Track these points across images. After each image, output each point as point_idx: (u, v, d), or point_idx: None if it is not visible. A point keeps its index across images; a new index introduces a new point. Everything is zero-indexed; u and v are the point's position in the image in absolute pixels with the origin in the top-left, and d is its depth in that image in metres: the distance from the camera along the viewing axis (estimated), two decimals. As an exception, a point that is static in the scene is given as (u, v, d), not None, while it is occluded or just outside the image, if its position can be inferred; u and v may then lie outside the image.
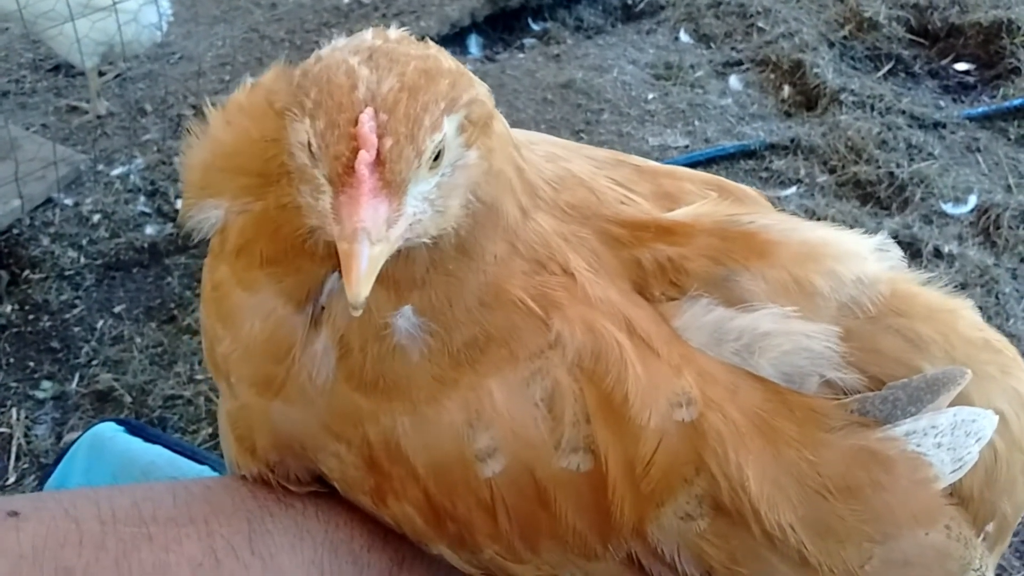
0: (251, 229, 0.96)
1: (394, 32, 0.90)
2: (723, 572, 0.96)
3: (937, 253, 3.97)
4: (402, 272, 0.90)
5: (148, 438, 1.65)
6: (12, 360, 3.61)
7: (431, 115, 0.81)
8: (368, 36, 0.88)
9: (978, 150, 4.64)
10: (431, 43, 0.91)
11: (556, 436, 0.91)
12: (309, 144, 0.82)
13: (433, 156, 0.82)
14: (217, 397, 1.16)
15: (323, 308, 0.94)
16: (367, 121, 0.79)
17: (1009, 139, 4.74)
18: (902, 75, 5.19)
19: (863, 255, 1.01)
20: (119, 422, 1.69)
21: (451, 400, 0.92)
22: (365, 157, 0.79)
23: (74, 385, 3.51)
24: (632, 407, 0.91)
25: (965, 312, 1.08)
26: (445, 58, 0.88)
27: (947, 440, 0.97)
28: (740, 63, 5.27)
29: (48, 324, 3.74)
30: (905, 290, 1.03)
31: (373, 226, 0.79)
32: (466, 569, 1.02)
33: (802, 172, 4.45)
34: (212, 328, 1.02)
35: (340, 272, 0.84)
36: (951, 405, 0.99)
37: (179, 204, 1.05)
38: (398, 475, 0.95)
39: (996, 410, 1.03)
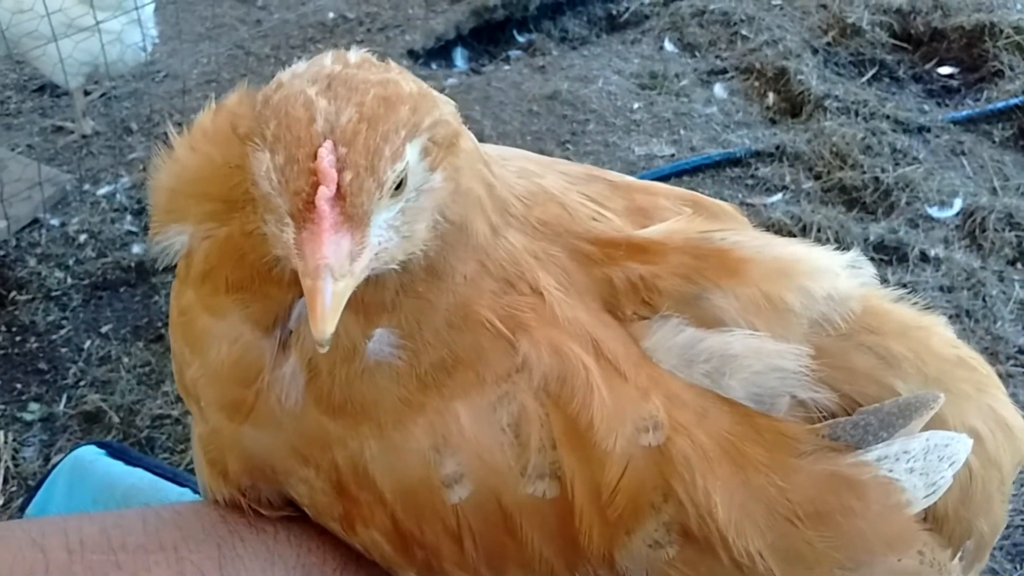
0: (216, 255, 0.96)
1: (354, 55, 0.89)
2: None
3: (923, 257, 3.98)
4: (372, 296, 0.89)
5: (130, 461, 1.64)
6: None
7: (392, 145, 0.80)
8: (328, 61, 0.87)
9: (963, 153, 4.65)
10: (392, 64, 0.90)
11: (522, 462, 0.91)
12: (270, 177, 0.81)
13: (395, 185, 0.81)
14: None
15: (291, 332, 0.94)
16: (326, 155, 0.78)
17: (994, 142, 4.75)
18: (886, 80, 5.21)
19: (835, 271, 1.00)
20: (100, 445, 1.69)
21: (418, 425, 0.92)
22: (325, 192, 0.78)
23: (62, 406, 3.49)
24: (597, 432, 0.90)
25: (938, 329, 1.07)
26: (406, 81, 0.87)
27: (920, 465, 0.96)
28: (724, 71, 5.28)
29: (35, 345, 3.72)
30: (877, 307, 1.03)
31: (336, 262, 0.78)
32: None
33: (788, 179, 4.46)
34: (181, 353, 1.02)
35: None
36: (924, 428, 0.98)
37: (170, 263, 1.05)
38: (366, 500, 0.95)
39: (971, 428, 1.02)
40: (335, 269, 0.78)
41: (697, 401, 0.94)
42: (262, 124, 0.82)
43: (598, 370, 0.92)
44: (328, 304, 0.77)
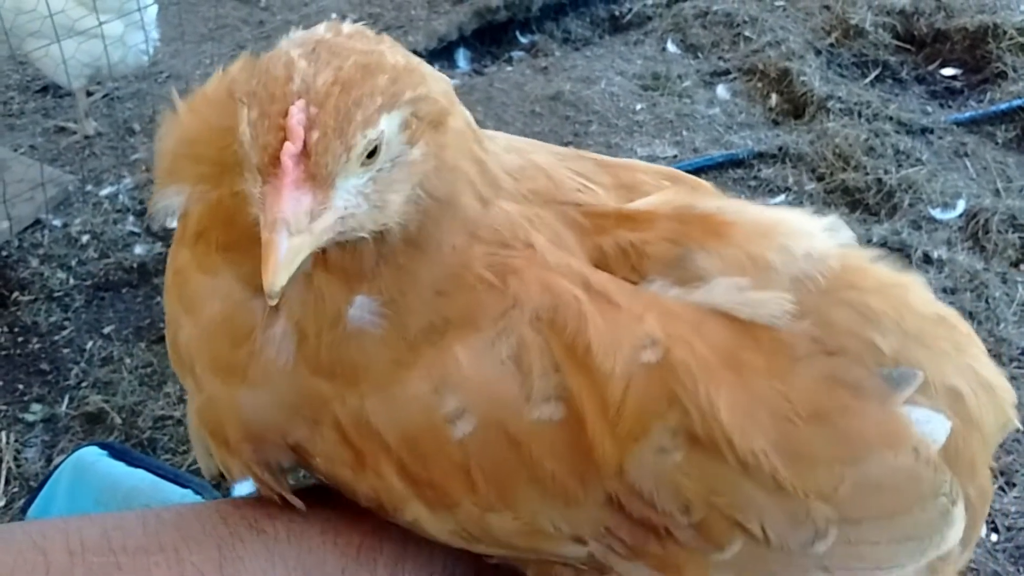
0: (208, 216, 0.97)
1: (349, 26, 0.90)
2: (701, 505, 0.95)
3: (926, 258, 3.98)
4: (350, 264, 0.90)
5: (131, 462, 1.65)
6: (1, 383, 3.60)
7: (364, 110, 0.82)
8: (321, 29, 0.89)
9: (966, 155, 4.65)
10: (386, 38, 0.91)
11: (526, 389, 0.92)
12: (244, 131, 0.83)
13: (367, 152, 0.83)
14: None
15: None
16: (296, 113, 0.80)
17: (997, 143, 4.75)
18: (889, 81, 5.21)
19: (813, 232, 1.02)
20: (102, 446, 1.70)
21: (414, 375, 0.93)
22: (290, 148, 0.79)
23: (64, 407, 3.50)
24: (596, 357, 0.91)
25: (916, 287, 1.08)
26: (394, 53, 0.88)
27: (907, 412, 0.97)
28: (727, 72, 5.28)
29: (37, 346, 3.73)
30: (856, 265, 1.04)
31: (293, 217, 0.80)
32: (442, 535, 1.01)
33: (790, 180, 4.46)
34: (175, 314, 1.02)
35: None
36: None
37: (168, 223, 1.06)
38: (370, 450, 0.95)
39: (951, 387, 1.03)
40: (291, 224, 0.79)
41: (693, 316, 0.95)
42: (249, 84, 0.84)
43: (589, 300, 0.93)
44: (280, 257, 0.79)
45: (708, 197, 1.09)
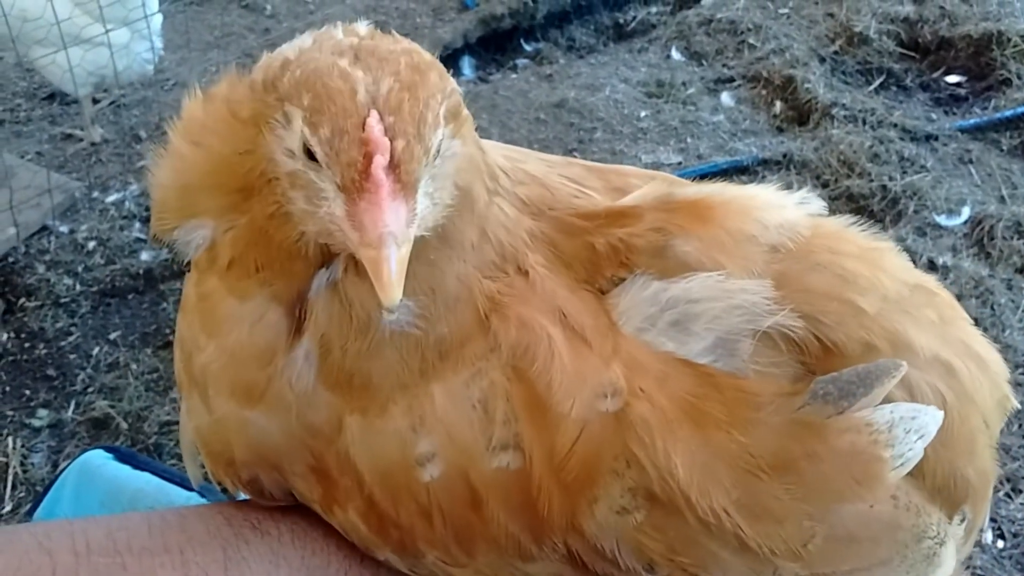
0: (242, 242, 0.95)
1: (361, 27, 0.90)
2: (664, 564, 0.94)
3: (931, 265, 3.97)
4: None
5: (137, 465, 1.65)
6: (8, 388, 3.61)
7: (432, 111, 0.82)
8: (339, 34, 0.88)
9: (970, 162, 4.65)
10: (396, 35, 0.91)
11: (487, 436, 0.92)
12: (308, 151, 0.82)
13: (436, 151, 0.83)
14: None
15: (305, 316, 0.94)
16: (375, 124, 0.79)
17: (1001, 150, 4.75)
18: (893, 88, 5.21)
19: (785, 205, 1.02)
20: (108, 449, 1.69)
21: (398, 406, 0.93)
22: (381, 161, 0.79)
23: (70, 413, 3.50)
24: (555, 395, 0.91)
25: (891, 253, 1.07)
26: (418, 48, 0.88)
27: (884, 438, 0.94)
28: (732, 80, 5.29)
29: (44, 352, 3.74)
30: (828, 231, 1.03)
31: (398, 229, 0.79)
32: None
33: (795, 187, 4.41)
34: (193, 339, 1.01)
35: (328, 272, 0.89)
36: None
37: (193, 256, 1.04)
38: (344, 485, 0.96)
39: (943, 360, 1.01)
40: (398, 236, 0.79)
41: (659, 367, 0.94)
42: (288, 100, 0.83)
43: (563, 339, 0.93)
44: (394, 271, 0.79)
45: (687, 186, 1.09)
